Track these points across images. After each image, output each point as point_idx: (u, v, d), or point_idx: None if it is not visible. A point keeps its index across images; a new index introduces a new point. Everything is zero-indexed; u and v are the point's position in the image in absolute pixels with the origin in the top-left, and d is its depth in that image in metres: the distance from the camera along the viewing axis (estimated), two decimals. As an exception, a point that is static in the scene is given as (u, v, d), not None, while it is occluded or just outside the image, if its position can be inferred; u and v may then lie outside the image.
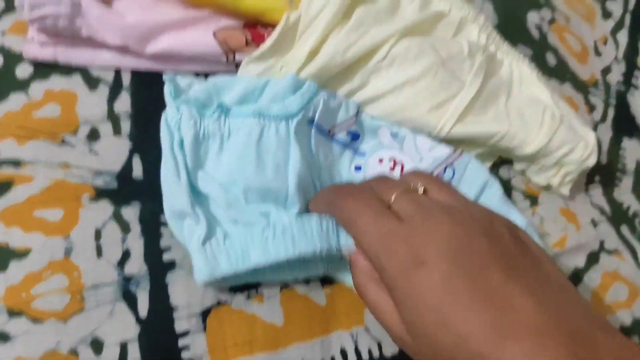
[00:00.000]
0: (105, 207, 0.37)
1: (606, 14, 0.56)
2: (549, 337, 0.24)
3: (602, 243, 0.46)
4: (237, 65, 0.42)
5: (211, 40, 0.40)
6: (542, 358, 0.23)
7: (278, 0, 0.41)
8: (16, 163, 0.37)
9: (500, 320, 0.25)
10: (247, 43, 0.41)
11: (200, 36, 0.40)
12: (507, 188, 0.44)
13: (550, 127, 0.42)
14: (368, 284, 0.31)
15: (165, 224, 0.37)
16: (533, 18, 0.52)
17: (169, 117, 0.36)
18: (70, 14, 0.38)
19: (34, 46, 0.39)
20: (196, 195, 0.36)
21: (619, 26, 0.55)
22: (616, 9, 0.56)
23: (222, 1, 0.40)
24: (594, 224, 0.46)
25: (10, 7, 0.42)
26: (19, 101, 0.39)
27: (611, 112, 0.51)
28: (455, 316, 0.25)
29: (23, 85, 0.39)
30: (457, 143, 0.42)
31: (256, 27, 0.42)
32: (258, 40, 0.41)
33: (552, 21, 0.53)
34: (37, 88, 0.39)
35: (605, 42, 0.54)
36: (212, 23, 0.41)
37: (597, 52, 0.53)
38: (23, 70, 0.40)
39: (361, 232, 0.30)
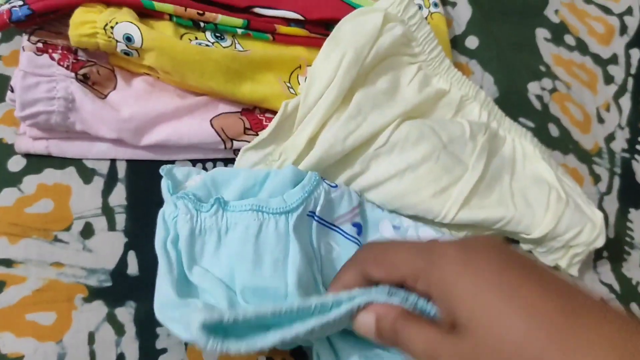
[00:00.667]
0: (99, 309, 0.36)
1: (608, 79, 0.55)
2: None
3: (612, 323, 0.44)
4: (236, 152, 0.41)
5: (208, 129, 0.39)
6: None
7: (276, 87, 0.40)
8: (8, 263, 0.36)
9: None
10: (245, 130, 0.40)
11: (197, 125, 0.39)
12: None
13: (556, 211, 0.41)
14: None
15: (161, 324, 0.36)
16: (534, 89, 0.51)
17: (166, 213, 0.35)
18: (63, 110, 0.37)
19: (26, 140, 0.39)
20: (193, 291, 0.34)
21: (621, 91, 0.55)
22: (618, 73, 0.55)
23: (219, 90, 0.39)
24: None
25: (1, 96, 0.41)
26: (11, 196, 0.38)
27: (617, 182, 0.50)
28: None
29: (15, 180, 0.39)
30: (461, 227, 0.41)
31: (254, 112, 0.41)
32: (256, 127, 0.40)
33: (553, 90, 0.52)
34: (30, 182, 0.39)
35: (608, 109, 0.53)
36: (209, 111, 0.40)
37: (600, 119, 0.53)
38: (15, 164, 0.39)
39: None
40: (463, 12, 0.53)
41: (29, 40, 0.38)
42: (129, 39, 0.37)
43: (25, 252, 0.37)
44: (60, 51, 0.38)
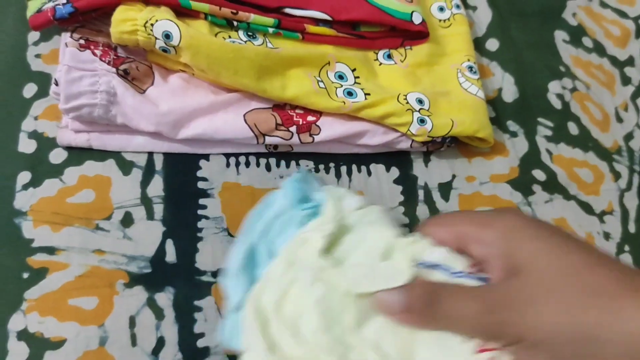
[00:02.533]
0: (140, 294, 0.37)
1: (625, 80, 0.56)
2: None
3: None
4: (267, 146, 0.42)
5: (242, 124, 0.41)
6: None
7: (306, 82, 0.42)
8: (51, 250, 0.38)
9: None
10: (276, 126, 0.41)
11: (232, 120, 0.41)
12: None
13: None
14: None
15: (199, 309, 0.37)
16: (555, 88, 0.52)
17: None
18: (106, 103, 0.38)
19: (68, 133, 0.40)
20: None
21: (638, 92, 0.56)
22: (634, 74, 0.57)
23: (252, 87, 0.41)
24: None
25: (42, 92, 0.42)
26: (53, 187, 0.39)
27: (636, 179, 0.51)
28: None
29: (57, 171, 0.40)
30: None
31: (285, 108, 0.42)
32: (287, 123, 0.41)
33: (573, 90, 0.53)
34: (72, 173, 0.40)
35: (626, 108, 0.55)
36: (242, 106, 0.41)
37: (619, 119, 0.54)
38: (57, 156, 0.40)
39: None
40: (483, 15, 0.54)
41: (71, 37, 0.40)
42: (167, 36, 0.38)
43: (67, 239, 0.38)
44: (101, 48, 0.40)
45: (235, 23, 0.43)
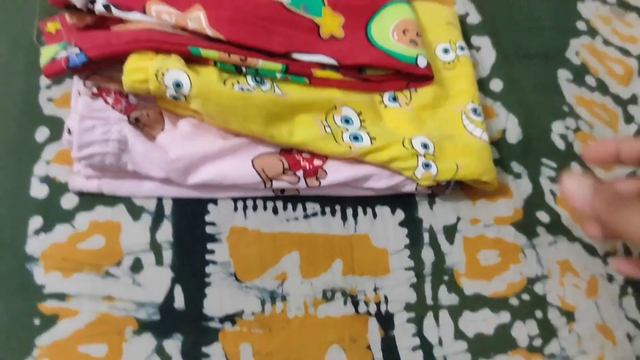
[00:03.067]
0: (148, 341, 0.38)
1: (628, 119, 0.57)
2: None
3: (638, 359, 0.45)
4: (275, 190, 0.43)
5: (250, 169, 0.41)
6: None
7: (313, 128, 0.43)
8: (61, 296, 0.38)
9: None
10: (284, 171, 0.42)
11: (239, 166, 0.41)
12: (543, 304, 0.45)
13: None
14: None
15: (206, 355, 0.38)
16: (558, 128, 0.53)
17: None
18: (117, 152, 0.39)
19: (80, 179, 0.41)
20: None
21: (641, 130, 0.57)
22: (638, 112, 0.57)
23: (259, 133, 0.41)
24: (629, 338, 0.46)
25: (54, 136, 0.43)
26: (64, 233, 0.40)
27: (639, 219, 0.52)
28: None
29: (68, 216, 0.41)
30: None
31: (292, 153, 0.43)
32: (294, 167, 0.42)
33: (576, 130, 0.54)
34: (83, 219, 0.41)
35: (629, 147, 0.55)
36: (250, 151, 0.42)
37: (622, 158, 0.54)
38: (68, 201, 0.41)
39: None
40: (487, 56, 0.55)
41: (84, 84, 0.40)
42: (178, 85, 0.39)
43: (78, 286, 0.39)
44: (113, 95, 0.41)
45: (243, 69, 0.43)
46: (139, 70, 0.39)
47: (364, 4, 0.49)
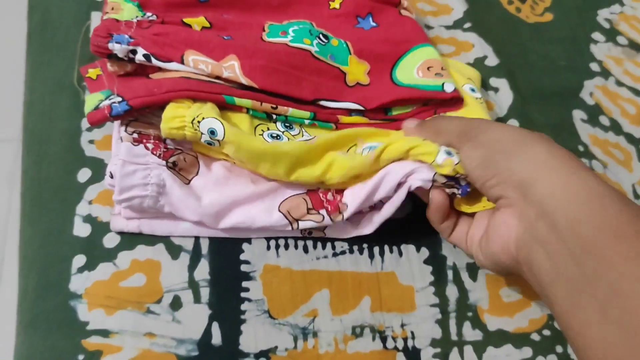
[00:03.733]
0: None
1: (641, 156, 0.59)
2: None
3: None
4: (303, 232, 0.45)
5: (277, 214, 0.43)
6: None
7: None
8: (105, 333, 0.40)
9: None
10: (307, 210, 0.43)
11: (267, 210, 0.43)
12: (563, 339, 0.46)
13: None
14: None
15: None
16: (574, 167, 0.55)
17: None
18: (155, 195, 0.41)
19: (121, 220, 0.43)
20: None
21: (654, 167, 0.58)
22: (650, 151, 0.59)
23: (286, 177, 0.43)
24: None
25: (96, 177, 0.45)
26: (107, 271, 0.42)
27: (655, 256, 0.53)
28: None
29: (111, 255, 0.43)
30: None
31: (317, 192, 0.45)
32: (317, 206, 0.44)
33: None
34: (124, 258, 0.42)
35: (643, 185, 0.57)
36: (277, 196, 0.44)
37: (636, 195, 0.56)
38: (110, 240, 0.43)
39: None
40: (505, 98, 0.57)
41: (125, 130, 0.43)
42: (212, 132, 0.41)
43: (121, 323, 0.40)
44: (152, 140, 0.43)
45: (274, 116, 0.46)
46: (176, 117, 0.41)
47: (388, 50, 0.51)
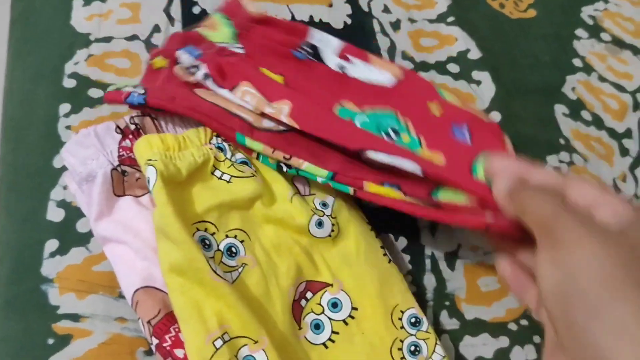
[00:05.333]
0: (159, 361, 0.39)
1: (623, 152, 0.59)
2: None
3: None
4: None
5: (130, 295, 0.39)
6: None
7: None
8: (75, 317, 0.40)
9: None
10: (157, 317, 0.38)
11: (129, 285, 0.39)
12: (540, 329, 0.46)
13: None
14: None
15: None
16: (552, 161, 0.55)
17: None
18: (84, 177, 0.40)
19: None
20: None
21: (636, 163, 0.58)
22: (632, 146, 0.59)
23: None
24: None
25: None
26: (80, 255, 0.42)
27: (635, 250, 0.53)
28: None
29: (84, 240, 0.42)
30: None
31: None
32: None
33: (570, 163, 0.56)
34: (97, 242, 0.42)
35: (624, 179, 0.57)
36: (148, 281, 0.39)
37: (617, 190, 0.56)
38: (84, 225, 0.43)
39: None
40: (487, 90, 0.57)
41: (132, 117, 0.42)
42: (148, 181, 0.38)
43: (92, 307, 0.40)
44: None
45: (284, 168, 0.42)
46: (150, 147, 0.39)
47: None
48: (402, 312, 0.42)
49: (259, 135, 0.42)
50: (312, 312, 0.41)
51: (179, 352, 0.36)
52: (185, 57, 0.43)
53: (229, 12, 0.50)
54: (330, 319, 0.41)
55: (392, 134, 0.45)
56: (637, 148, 0.60)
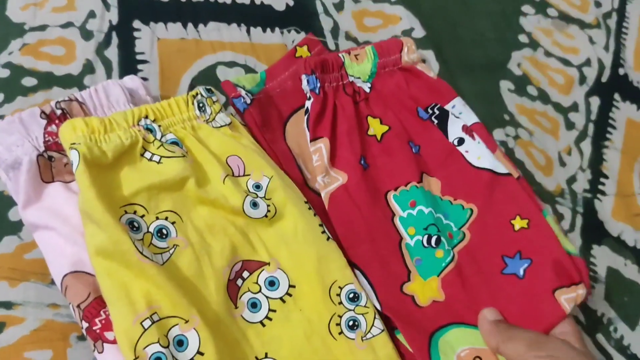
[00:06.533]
0: (91, 347, 0.39)
1: (569, 125, 0.59)
2: None
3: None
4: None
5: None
6: None
7: None
8: (8, 305, 0.39)
9: None
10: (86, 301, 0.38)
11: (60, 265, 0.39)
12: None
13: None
14: None
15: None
16: (498, 135, 0.55)
17: None
18: (10, 164, 0.40)
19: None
20: None
21: (582, 136, 0.59)
22: (578, 119, 0.60)
23: None
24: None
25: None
26: (11, 244, 0.41)
27: (579, 220, 0.54)
28: None
29: (15, 228, 0.42)
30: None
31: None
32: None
33: (516, 137, 0.56)
34: (29, 230, 0.42)
35: (569, 152, 0.57)
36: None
37: (562, 163, 0.56)
38: (15, 213, 0.42)
39: None
40: (432, 67, 0.57)
41: (58, 102, 0.42)
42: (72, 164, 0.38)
43: (24, 294, 0.40)
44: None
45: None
46: (74, 131, 0.39)
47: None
48: (341, 288, 0.42)
49: (307, 193, 0.45)
50: (249, 290, 0.41)
51: (109, 335, 0.36)
52: (304, 83, 0.48)
53: (384, 49, 0.53)
54: (267, 297, 0.41)
55: (431, 240, 0.46)
56: (584, 121, 0.60)
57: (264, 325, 0.40)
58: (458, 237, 0.46)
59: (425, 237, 0.46)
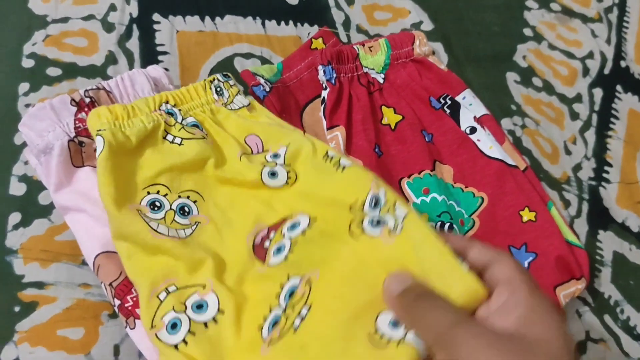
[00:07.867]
0: (123, 323, 0.40)
1: (574, 116, 0.61)
2: None
3: (587, 333, 0.49)
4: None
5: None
6: None
7: None
8: (40, 285, 0.41)
9: None
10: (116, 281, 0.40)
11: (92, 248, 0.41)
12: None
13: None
14: None
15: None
16: (506, 124, 0.57)
17: None
18: (42, 149, 0.41)
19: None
20: None
21: (586, 126, 0.61)
22: (582, 110, 0.61)
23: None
24: (579, 314, 0.49)
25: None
26: (42, 226, 0.43)
27: (585, 207, 0.55)
28: None
29: (46, 211, 0.43)
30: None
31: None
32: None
33: (523, 127, 0.58)
34: (59, 213, 0.43)
35: (574, 142, 0.59)
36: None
37: (568, 151, 0.58)
38: (45, 197, 0.44)
39: None
40: (440, 59, 0.59)
41: (87, 91, 0.43)
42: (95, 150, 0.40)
43: (55, 275, 0.41)
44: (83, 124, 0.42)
45: None
46: (99, 118, 0.40)
47: None
48: (363, 202, 0.38)
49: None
50: (275, 243, 0.40)
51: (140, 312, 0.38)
52: (321, 73, 0.51)
53: (397, 42, 0.55)
54: (290, 238, 0.40)
55: (444, 227, 0.47)
56: (588, 112, 0.62)
57: (287, 259, 0.39)
58: (469, 224, 0.48)
59: (439, 224, 0.47)
